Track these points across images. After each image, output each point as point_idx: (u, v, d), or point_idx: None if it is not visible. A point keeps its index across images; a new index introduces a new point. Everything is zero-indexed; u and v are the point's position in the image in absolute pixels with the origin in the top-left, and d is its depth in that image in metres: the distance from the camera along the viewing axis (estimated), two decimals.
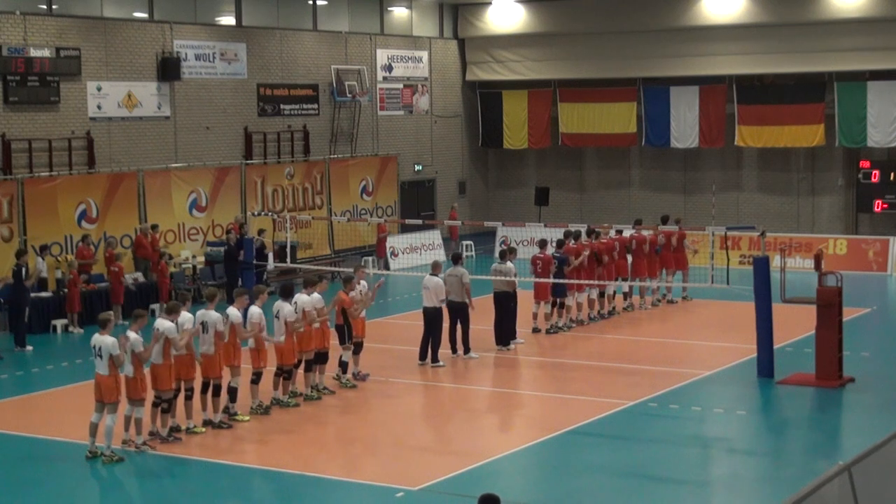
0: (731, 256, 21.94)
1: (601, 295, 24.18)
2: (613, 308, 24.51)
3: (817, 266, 19.08)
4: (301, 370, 17.86)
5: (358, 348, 18.95)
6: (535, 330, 22.72)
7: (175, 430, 15.86)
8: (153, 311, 23.91)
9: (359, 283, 19.01)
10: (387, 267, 30.88)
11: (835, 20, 33.59)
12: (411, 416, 17.67)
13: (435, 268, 20.34)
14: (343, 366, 18.75)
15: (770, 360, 18.83)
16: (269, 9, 33.08)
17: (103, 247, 26.07)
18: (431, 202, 38.27)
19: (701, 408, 17.32)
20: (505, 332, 21.40)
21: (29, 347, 22.33)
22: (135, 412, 15.14)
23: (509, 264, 21.39)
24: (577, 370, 20.04)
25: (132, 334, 14.95)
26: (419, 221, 29.90)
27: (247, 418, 16.65)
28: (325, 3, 34.97)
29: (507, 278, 21.25)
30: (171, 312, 15.64)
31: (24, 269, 22.63)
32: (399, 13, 37.71)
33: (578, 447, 15.45)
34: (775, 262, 22.71)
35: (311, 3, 34.42)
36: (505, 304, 21.36)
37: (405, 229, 33.18)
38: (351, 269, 19.91)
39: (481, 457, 14.85)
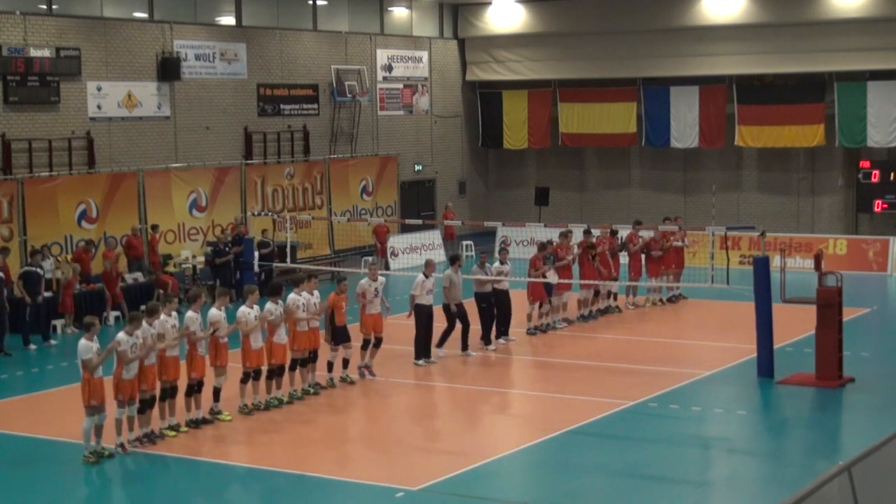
0: (731, 256, 21.94)
1: (595, 294, 24.37)
2: (596, 309, 24.51)
3: (817, 266, 19.06)
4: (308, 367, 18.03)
5: (370, 344, 19.11)
6: (531, 331, 22.75)
7: (174, 427, 15.95)
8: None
9: (375, 280, 19.13)
10: (387, 267, 30.87)
11: (835, 20, 33.57)
12: (410, 415, 17.67)
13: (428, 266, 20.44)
14: (331, 367, 18.77)
15: (770, 360, 18.83)
16: (269, 9, 33.06)
17: (102, 247, 26.07)
18: (431, 202, 38.25)
19: (701, 408, 17.32)
20: (497, 331, 21.57)
21: (32, 346, 22.53)
22: (115, 413, 15.13)
23: (500, 264, 21.65)
24: (577, 370, 20.03)
25: (122, 336, 14.96)
26: (419, 221, 29.93)
27: (229, 417, 16.65)
28: (325, 3, 34.96)
29: (500, 278, 21.42)
30: (143, 315, 15.64)
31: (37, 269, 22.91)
32: (399, 13, 37.69)
33: (578, 447, 15.44)
34: (775, 262, 22.70)
35: (311, 3, 34.41)
36: (502, 304, 21.52)
37: (405, 229, 33.19)
38: (350, 269, 19.94)
39: (481, 457, 14.85)
